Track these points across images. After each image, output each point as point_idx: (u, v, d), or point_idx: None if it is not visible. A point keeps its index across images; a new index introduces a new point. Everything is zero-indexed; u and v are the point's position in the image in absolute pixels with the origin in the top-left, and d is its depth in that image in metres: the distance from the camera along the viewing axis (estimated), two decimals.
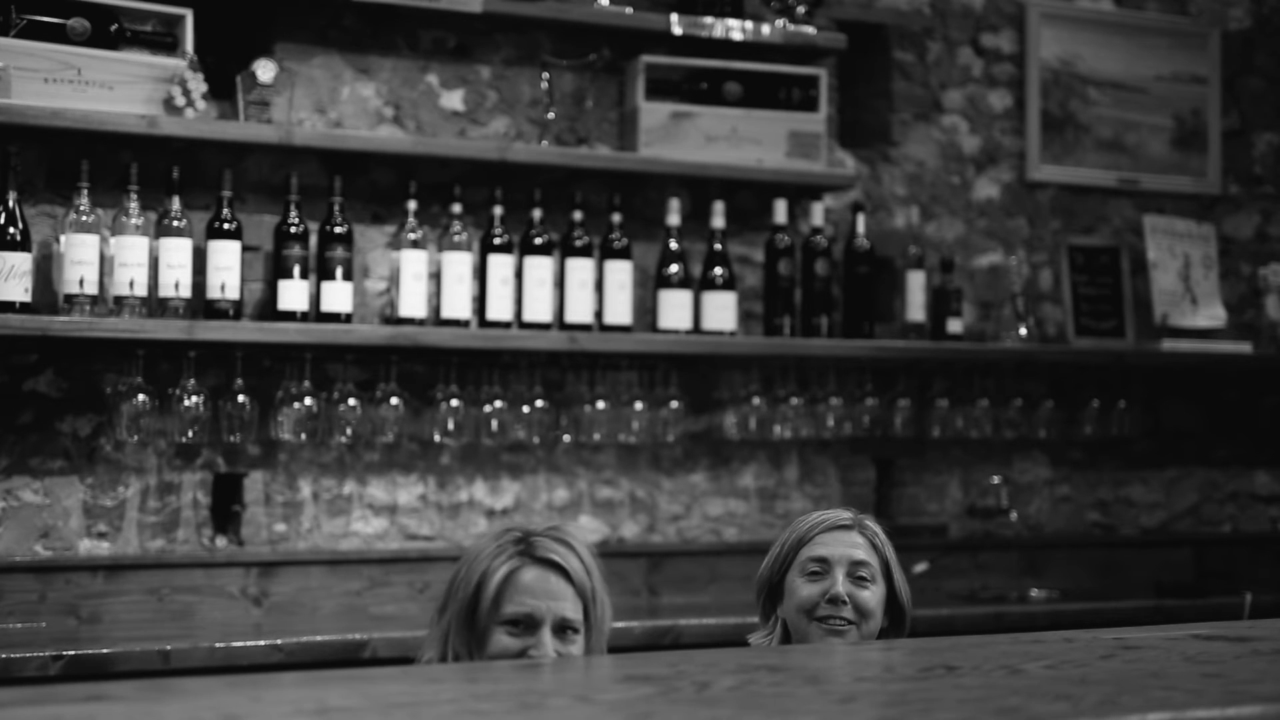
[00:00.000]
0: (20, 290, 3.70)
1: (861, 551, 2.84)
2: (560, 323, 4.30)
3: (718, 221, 4.51)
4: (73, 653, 3.48)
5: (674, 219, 4.45)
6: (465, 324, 4.19)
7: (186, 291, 3.86)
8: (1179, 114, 5.33)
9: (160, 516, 4.01)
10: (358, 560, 4.17)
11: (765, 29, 4.52)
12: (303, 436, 4.05)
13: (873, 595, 2.82)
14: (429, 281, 4.18)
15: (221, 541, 4.06)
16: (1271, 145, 5.46)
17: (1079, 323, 5.07)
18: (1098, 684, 2.05)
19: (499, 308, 4.23)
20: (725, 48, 4.55)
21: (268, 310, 4.05)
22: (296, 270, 4.00)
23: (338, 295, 4.03)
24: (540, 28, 4.40)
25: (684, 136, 4.46)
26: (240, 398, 3.97)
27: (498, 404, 4.22)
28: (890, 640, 2.60)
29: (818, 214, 4.65)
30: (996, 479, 4.93)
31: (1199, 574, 5.15)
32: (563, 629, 2.47)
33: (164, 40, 3.93)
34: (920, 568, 4.72)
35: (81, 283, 3.75)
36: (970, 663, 2.23)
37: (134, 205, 3.83)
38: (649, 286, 4.49)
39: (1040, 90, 5.12)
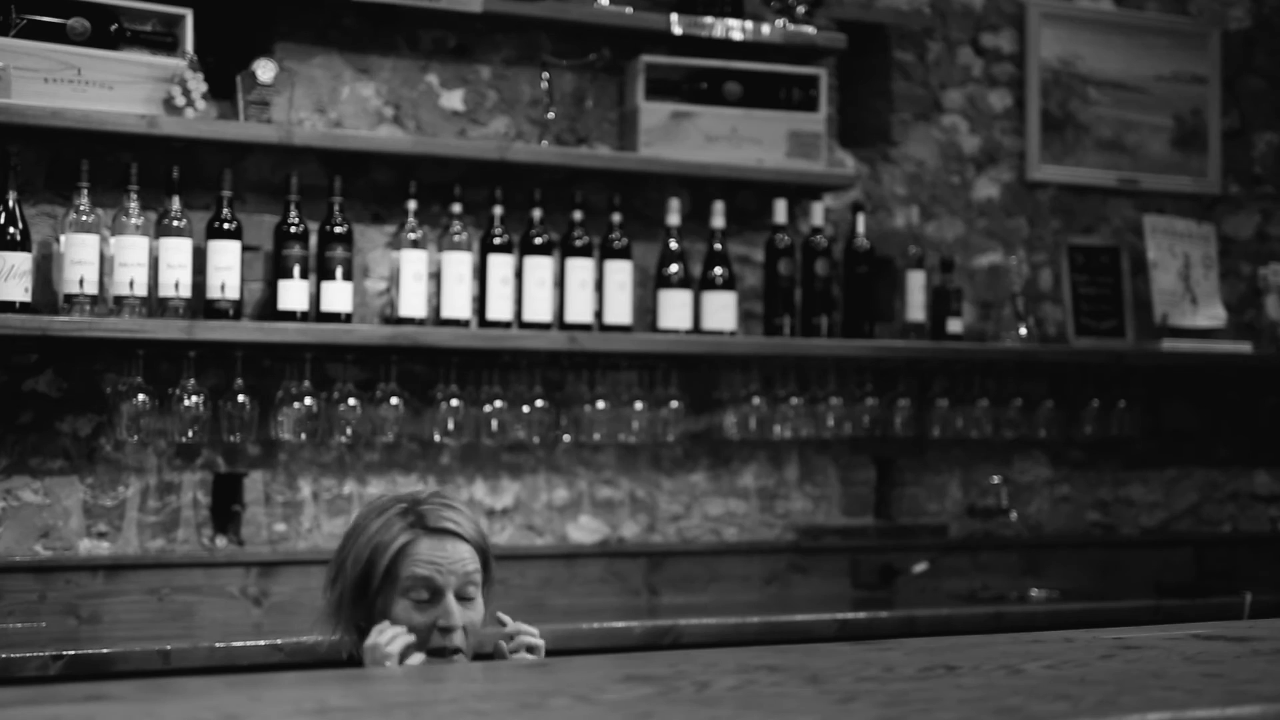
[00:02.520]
0: (20, 290, 3.70)
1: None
2: (560, 323, 4.30)
3: (718, 221, 4.51)
4: (73, 653, 3.47)
5: (674, 219, 4.45)
6: (465, 324, 4.19)
7: (186, 291, 3.86)
8: (1179, 114, 5.33)
9: (160, 516, 4.01)
10: None
11: (765, 29, 4.52)
12: (303, 436, 4.05)
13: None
14: (429, 281, 4.18)
15: (221, 541, 4.06)
16: (1271, 145, 5.46)
17: (1079, 322, 5.07)
18: (1098, 684, 2.05)
19: (499, 308, 4.23)
20: (725, 48, 4.55)
21: (268, 310, 4.05)
22: (296, 270, 4.00)
23: (338, 295, 4.03)
24: (540, 28, 4.40)
25: (684, 136, 4.46)
26: (240, 398, 3.97)
27: (498, 404, 4.22)
28: (890, 640, 2.60)
29: (818, 214, 4.65)
30: (996, 479, 4.93)
31: (1199, 574, 5.15)
32: (464, 590, 2.56)
33: (164, 40, 3.93)
34: (920, 567, 4.72)
35: (81, 283, 3.75)
36: (970, 662, 2.23)
37: (134, 205, 3.83)
38: (649, 286, 4.49)
39: (1040, 90, 5.12)
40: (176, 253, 3.86)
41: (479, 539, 2.61)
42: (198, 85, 3.88)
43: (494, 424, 4.22)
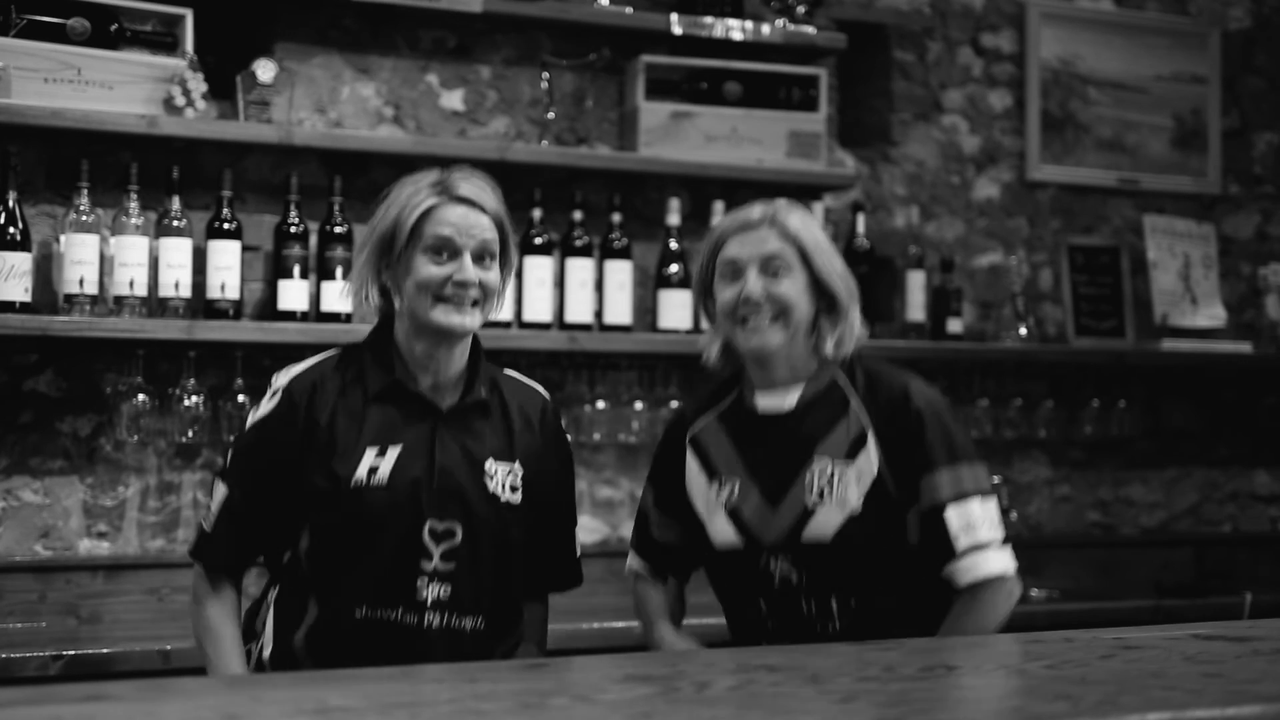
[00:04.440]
0: (20, 290, 3.70)
1: (771, 244, 2.82)
2: (560, 322, 4.30)
3: (718, 221, 4.50)
4: (73, 653, 3.48)
5: (674, 219, 4.45)
6: None
7: (186, 291, 3.86)
8: (1179, 114, 5.33)
9: (160, 516, 4.01)
10: None
11: (765, 29, 4.52)
12: None
13: (791, 285, 2.81)
14: None
15: None
16: (1271, 145, 5.46)
17: (1079, 322, 5.07)
18: (1098, 684, 2.05)
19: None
20: (725, 47, 4.55)
21: (268, 310, 4.05)
22: (296, 270, 4.00)
23: (338, 295, 4.03)
24: (540, 27, 4.40)
25: (684, 136, 4.46)
26: (240, 398, 3.97)
27: None
28: (890, 640, 2.60)
29: (818, 214, 4.65)
30: (996, 479, 4.93)
31: (1199, 574, 5.15)
32: (481, 256, 2.74)
33: (164, 40, 3.93)
34: None
35: (81, 283, 3.75)
36: (970, 663, 2.23)
37: (134, 205, 3.83)
38: (649, 286, 4.49)
39: (1040, 90, 5.12)
40: (176, 253, 3.86)
41: (498, 214, 2.77)
42: (198, 85, 3.88)
43: None
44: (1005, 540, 2.80)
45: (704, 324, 4.41)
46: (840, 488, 2.75)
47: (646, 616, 3.00)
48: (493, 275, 2.76)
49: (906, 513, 2.77)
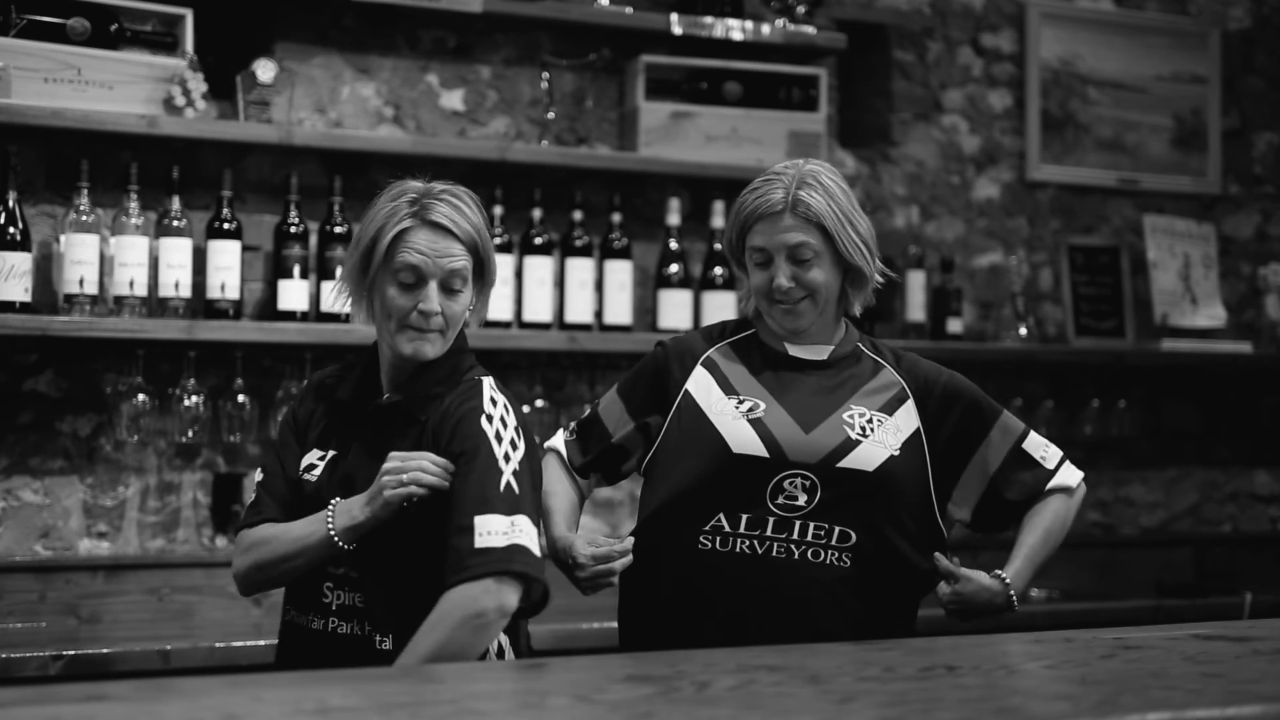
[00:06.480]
0: (20, 290, 3.70)
1: (796, 234, 2.86)
2: (560, 322, 4.30)
3: (718, 221, 4.51)
4: (73, 653, 3.47)
5: (674, 219, 4.45)
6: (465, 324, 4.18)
7: (186, 291, 3.87)
8: (1179, 114, 5.33)
9: (160, 516, 4.01)
10: None
11: (765, 29, 4.52)
12: None
13: (819, 272, 2.88)
14: None
15: (221, 541, 4.05)
16: (1271, 145, 5.46)
17: (1079, 322, 5.07)
18: (1098, 684, 2.05)
19: (499, 307, 4.22)
20: (725, 47, 4.55)
21: (268, 310, 4.05)
22: (296, 270, 4.00)
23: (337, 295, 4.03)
24: (540, 27, 4.40)
25: (684, 136, 4.46)
26: (240, 398, 3.98)
27: None
28: (890, 640, 2.60)
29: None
30: None
31: (1199, 574, 5.15)
32: (449, 284, 2.71)
33: (164, 40, 3.93)
34: None
35: (81, 283, 3.75)
36: (970, 663, 2.23)
37: (134, 205, 3.83)
38: (649, 286, 4.49)
39: (1040, 90, 5.12)
40: (176, 253, 3.86)
41: (472, 237, 2.73)
42: (198, 85, 3.88)
43: None
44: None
45: (705, 323, 4.43)
46: (881, 431, 2.86)
47: (548, 505, 2.95)
48: (458, 303, 2.73)
49: (961, 469, 3.01)
